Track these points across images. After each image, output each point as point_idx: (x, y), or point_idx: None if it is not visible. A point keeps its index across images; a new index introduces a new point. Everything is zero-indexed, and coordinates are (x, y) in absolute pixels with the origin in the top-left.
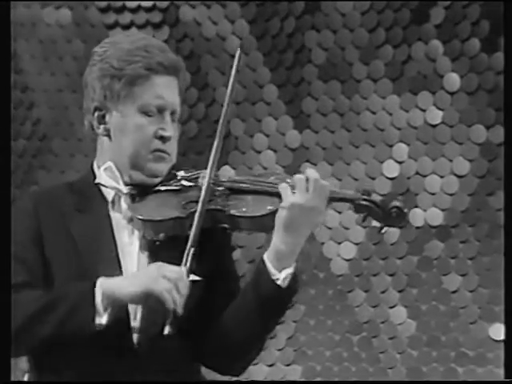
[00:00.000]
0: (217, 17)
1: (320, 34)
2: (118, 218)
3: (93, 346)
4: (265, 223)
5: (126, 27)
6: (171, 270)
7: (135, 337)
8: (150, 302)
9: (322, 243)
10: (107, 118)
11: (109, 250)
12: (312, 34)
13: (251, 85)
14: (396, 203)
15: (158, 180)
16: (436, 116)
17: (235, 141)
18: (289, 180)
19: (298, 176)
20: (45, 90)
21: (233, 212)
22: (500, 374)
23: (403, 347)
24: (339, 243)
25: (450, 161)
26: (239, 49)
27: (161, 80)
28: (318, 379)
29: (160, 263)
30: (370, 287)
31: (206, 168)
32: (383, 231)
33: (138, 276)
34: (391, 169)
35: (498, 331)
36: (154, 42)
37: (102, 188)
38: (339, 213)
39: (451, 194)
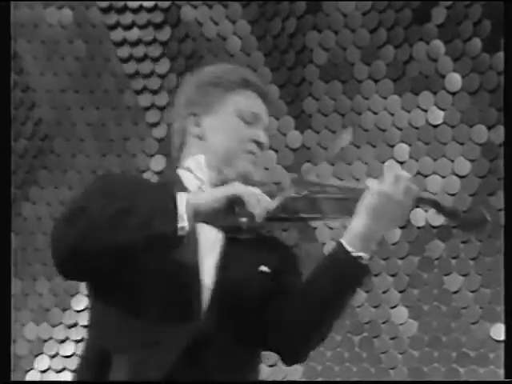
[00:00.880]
0: (218, 17)
1: (321, 35)
2: None
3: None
4: (348, 206)
5: (128, 27)
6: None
7: (205, 302)
8: (232, 205)
9: (324, 243)
10: (202, 120)
11: (192, 249)
12: (313, 34)
13: None
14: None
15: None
16: (437, 116)
17: None
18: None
19: (388, 172)
20: (47, 90)
21: (317, 196)
22: (501, 374)
23: (404, 347)
24: None
25: (452, 161)
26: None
27: (256, 97)
28: (319, 379)
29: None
30: (371, 287)
31: None
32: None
33: (221, 188)
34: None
35: (500, 331)
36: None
37: (185, 180)
38: None
39: (452, 194)
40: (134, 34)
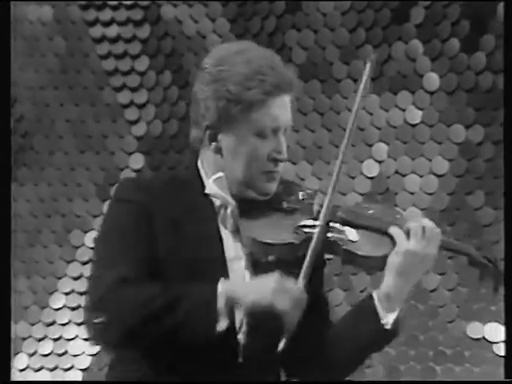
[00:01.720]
0: (198, 15)
1: (301, 34)
2: (223, 229)
3: (197, 353)
4: (378, 264)
5: (107, 24)
6: (294, 288)
7: (240, 351)
8: (268, 315)
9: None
10: (219, 137)
11: (220, 260)
12: (293, 33)
13: None
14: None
15: (268, 197)
16: (415, 115)
17: None
18: (398, 216)
19: (414, 224)
20: (28, 87)
21: (349, 248)
22: (476, 372)
23: None
24: None
25: (430, 160)
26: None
27: (276, 101)
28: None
29: (282, 277)
30: (349, 286)
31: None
32: (498, 292)
33: (262, 285)
34: (371, 168)
35: (476, 330)
36: (268, 58)
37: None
38: None
39: (430, 194)
40: (113, 30)
